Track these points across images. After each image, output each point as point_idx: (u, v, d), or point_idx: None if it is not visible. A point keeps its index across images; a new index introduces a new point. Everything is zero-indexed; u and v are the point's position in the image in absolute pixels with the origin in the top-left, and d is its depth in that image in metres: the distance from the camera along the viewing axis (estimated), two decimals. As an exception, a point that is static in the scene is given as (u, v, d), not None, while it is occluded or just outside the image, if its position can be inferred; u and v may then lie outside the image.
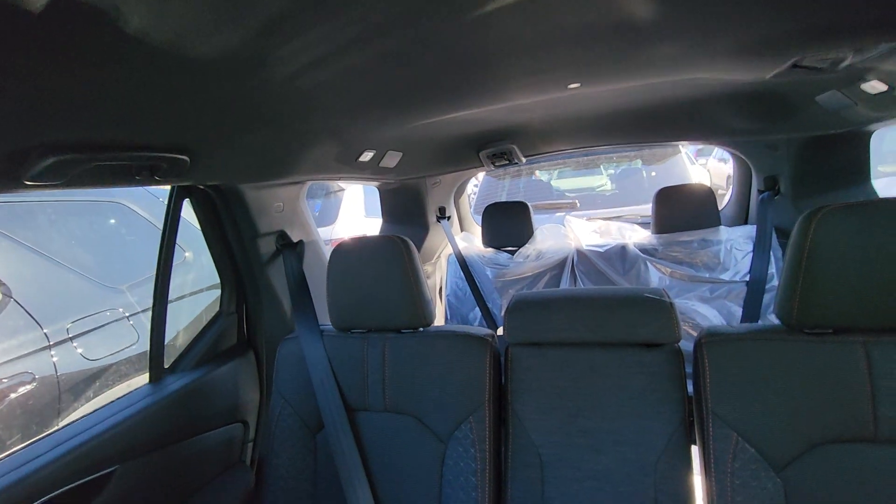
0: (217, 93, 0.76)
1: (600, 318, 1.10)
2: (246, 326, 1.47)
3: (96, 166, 0.80)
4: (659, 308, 1.06)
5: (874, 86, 1.13)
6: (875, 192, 1.72)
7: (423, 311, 1.18)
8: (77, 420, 1.05)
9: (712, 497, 0.93)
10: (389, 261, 1.19)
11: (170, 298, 1.27)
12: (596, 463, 1.04)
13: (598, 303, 1.13)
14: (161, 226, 1.26)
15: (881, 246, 0.85)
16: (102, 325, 2.48)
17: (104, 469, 1.00)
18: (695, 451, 1.03)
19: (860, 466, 0.88)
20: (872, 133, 1.64)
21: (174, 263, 1.28)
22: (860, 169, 1.71)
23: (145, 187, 2.93)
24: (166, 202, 1.29)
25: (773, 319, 1.29)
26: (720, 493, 0.92)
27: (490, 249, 2.33)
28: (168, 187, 1.29)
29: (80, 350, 2.53)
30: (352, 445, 1.17)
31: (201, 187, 1.32)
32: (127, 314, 2.58)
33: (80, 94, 0.63)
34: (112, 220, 3.08)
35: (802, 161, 1.78)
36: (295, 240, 1.53)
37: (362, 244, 1.24)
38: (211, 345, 1.37)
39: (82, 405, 2.14)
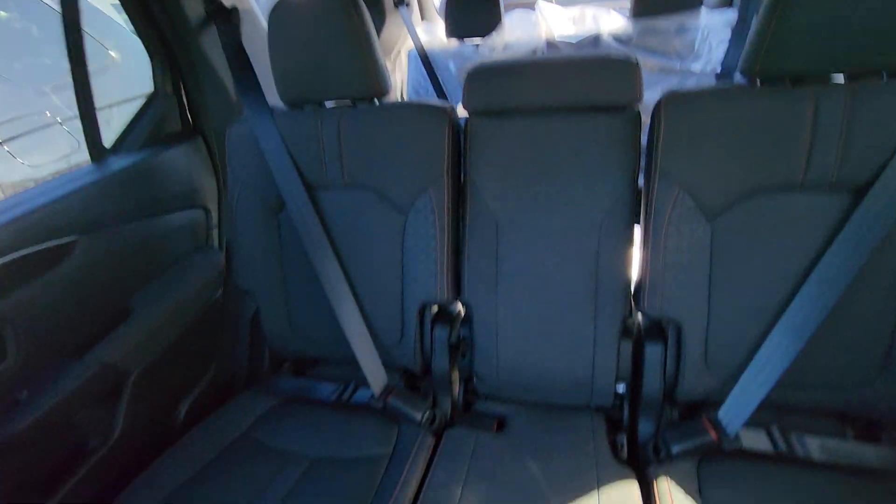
0: None
1: (562, 81, 1.06)
2: (189, 111, 1.37)
3: None
4: (621, 67, 1.03)
5: None
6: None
7: (376, 78, 1.10)
8: (20, 192, 1.02)
9: (648, 244, 1.03)
10: (335, 21, 1.06)
11: (98, 107, 1.15)
12: (547, 223, 1.10)
13: (560, 66, 1.08)
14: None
15: None
16: (33, 131, 2.28)
17: (63, 238, 1.00)
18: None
19: (782, 214, 0.96)
20: None
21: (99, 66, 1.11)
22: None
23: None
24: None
25: None
26: (654, 239, 1.01)
27: (454, 41, 2.14)
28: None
29: (18, 159, 2.36)
30: (315, 222, 1.19)
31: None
32: (59, 119, 2.36)
33: None
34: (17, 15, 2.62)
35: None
36: (228, 5, 1.34)
37: (304, 4, 1.09)
38: (153, 127, 1.29)
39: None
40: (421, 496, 0.94)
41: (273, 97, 1.22)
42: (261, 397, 1.28)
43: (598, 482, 0.95)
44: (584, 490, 0.93)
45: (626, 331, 1.14)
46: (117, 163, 1.17)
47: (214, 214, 1.43)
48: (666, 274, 1.01)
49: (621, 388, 1.15)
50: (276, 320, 1.30)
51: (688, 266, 1.01)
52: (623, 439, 1.11)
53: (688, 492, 0.93)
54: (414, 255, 1.17)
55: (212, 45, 1.31)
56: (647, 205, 1.03)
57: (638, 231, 1.09)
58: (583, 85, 1.06)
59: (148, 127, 1.28)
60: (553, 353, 1.14)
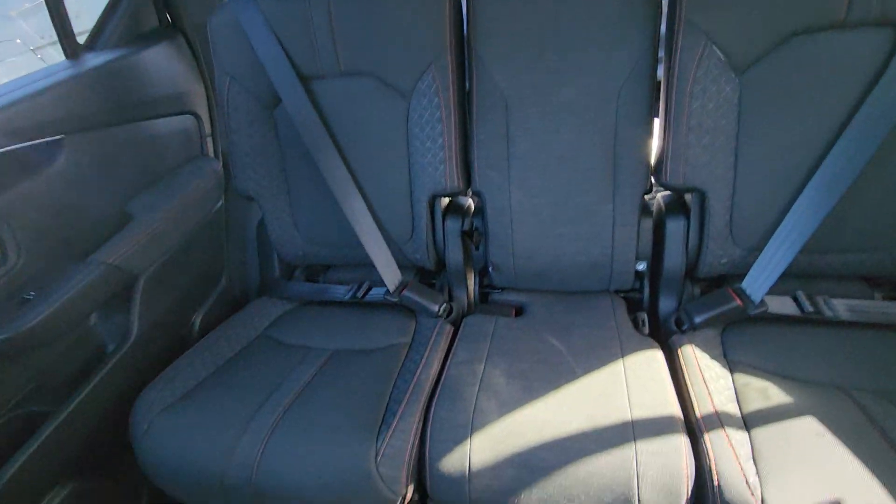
0: None
1: None
2: (165, 4, 1.26)
3: None
4: None
5: None
6: None
7: None
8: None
9: (670, 107, 0.96)
10: None
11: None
12: (560, 96, 1.03)
13: None
14: None
15: None
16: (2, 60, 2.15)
17: (49, 135, 0.94)
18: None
19: (820, 59, 0.88)
20: None
21: None
22: None
23: None
24: None
25: None
26: (678, 101, 0.94)
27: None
28: None
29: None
30: (312, 115, 1.12)
31: None
32: (31, 47, 2.22)
33: None
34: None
35: None
36: None
37: None
38: (127, 22, 1.18)
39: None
40: (444, 373, 0.93)
41: None
42: (275, 302, 1.27)
43: (622, 350, 0.95)
44: (609, 358, 0.93)
45: (645, 209, 1.10)
46: (93, 60, 1.08)
47: (207, 123, 1.35)
48: (690, 137, 0.95)
49: (641, 266, 1.12)
50: (282, 226, 1.27)
51: (714, 128, 0.94)
52: (644, 316, 1.10)
53: (713, 356, 0.92)
54: (420, 142, 1.10)
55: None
56: (669, 64, 0.95)
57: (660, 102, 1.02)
58: None
59: (121, 23, 1.18)
60: (570, 235, 1.10)
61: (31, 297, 0.90)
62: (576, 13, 0.99)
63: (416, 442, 0.82)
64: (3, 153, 0.86)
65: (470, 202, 1.29)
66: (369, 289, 1.23)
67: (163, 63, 1.22)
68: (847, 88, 0.89)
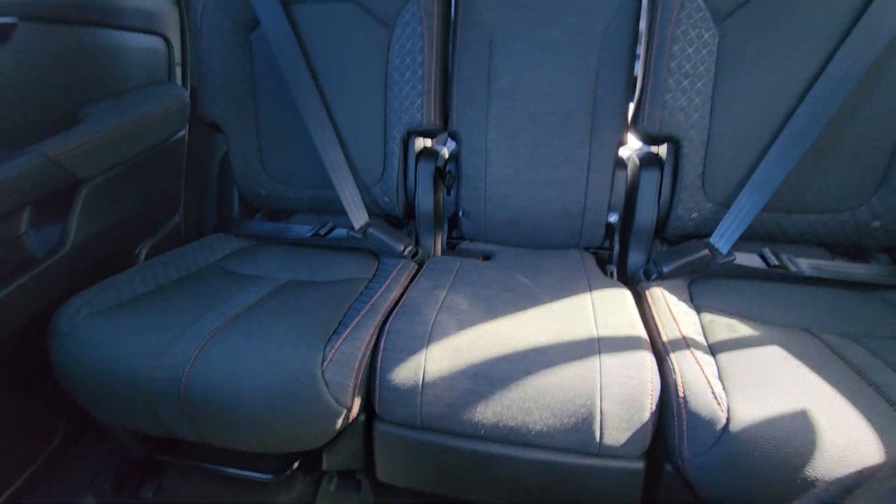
0: None
1: None
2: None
3: None
4: None
5: None
6: None
7: None
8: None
9: (651, 48, 0.96)
10: None
11: None
12: (545, 35, 1.02)
13: None
14: None
15: None
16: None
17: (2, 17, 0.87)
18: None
19: (799, 5, 0.90)
20: None
21: None
22: None
23: None
24: None
25: None
26: (659, 43, 0.95)
27: None
28: None
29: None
30: (291, 39, 1.08)
31: None
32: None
33: None
34: None
35: None
36: None
37: None
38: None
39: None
40: (403, 298, 0.88)
41: None
42: (230, 239, 1.20)
43: (591, 287, 0.92)
44: (576, 291, 0.90)
45: (620, 162, 1.09)
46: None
47: (176, 48, 1.29)
48: (669, 81, 0.95)
49: (613, 217, 1.11)
50: (247, 160, 1.20)
51: (692, 74, 0.95)
52: (613, 268, 1.08)
53: (680, 299, 0.90)
54: (399, 73, 1.08)
55: None
56: (652, 6, 0.96)
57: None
58: None
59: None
60: (545, 180, 1.08)
61: None
62: None
63: (368, 351, 0.76)
64: None
65: (445, 150, 1.26)
66: (332, 228, 1.17)
67: (135, -25, 1.16)
68: (820, 42, 0.91)
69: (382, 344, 0.76)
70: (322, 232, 1.15)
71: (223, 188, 1.29)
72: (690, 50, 0.94)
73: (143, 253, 1.20)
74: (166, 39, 1.26)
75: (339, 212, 1.12)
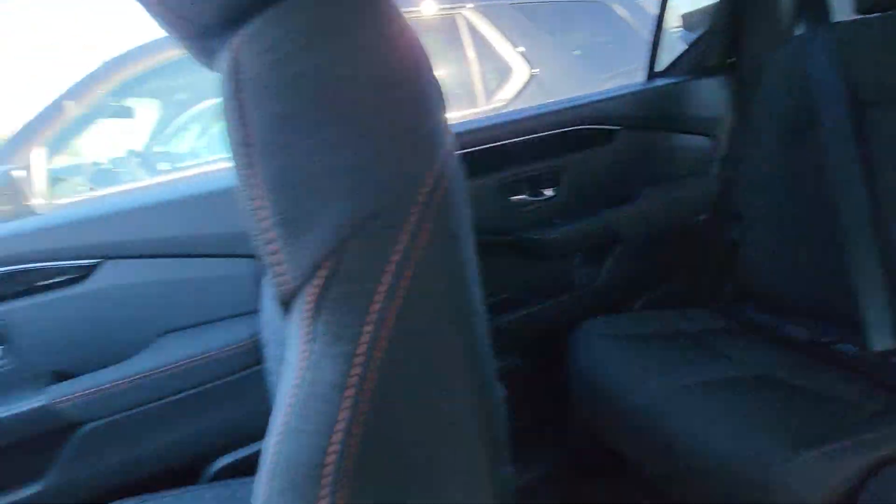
0: None
1: None
2: (733, 43, 1.45)
3: None
4: None
5: None
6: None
7: None
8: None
9: None
10: None
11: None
12: None
13: None
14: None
15: None
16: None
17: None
18: None
19: None
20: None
21: None
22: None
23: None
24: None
25: None
26: None
27: None
28: None
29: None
30: (850, 143, 1.04)
31: None
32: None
33: None
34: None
35: None
36: None
37: None
38: (696, 57, 1.45)
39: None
40: None
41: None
42: (717, 316, 1.27)
43: None
44: None
45: None
46: (658, 82, 1.42)
47: (723, 146, 1.48)
48: None
49: None
50: (758, 248, 1.24)
51: None
52: None
53: None
54: None
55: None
56: None
57: None
58: None
59: (691, 57, 1.46)
60: None
61: None
62: None
63: None
64: None
65: None
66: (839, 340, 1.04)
67: (703, 93, 1.44)
68: None
69: None
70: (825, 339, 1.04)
71: (719, 268, 1.39)
72: None
73: (639, 303, 1.47)
74: (714, 137, 1.48)
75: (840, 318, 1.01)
